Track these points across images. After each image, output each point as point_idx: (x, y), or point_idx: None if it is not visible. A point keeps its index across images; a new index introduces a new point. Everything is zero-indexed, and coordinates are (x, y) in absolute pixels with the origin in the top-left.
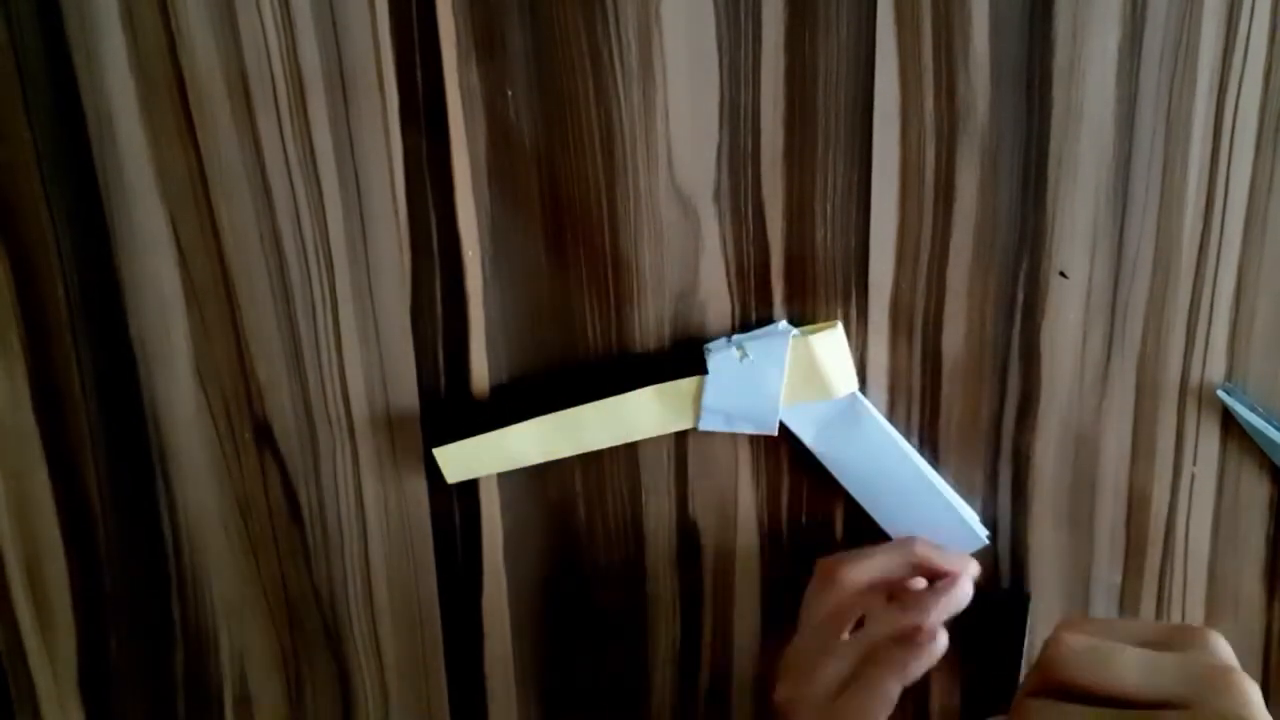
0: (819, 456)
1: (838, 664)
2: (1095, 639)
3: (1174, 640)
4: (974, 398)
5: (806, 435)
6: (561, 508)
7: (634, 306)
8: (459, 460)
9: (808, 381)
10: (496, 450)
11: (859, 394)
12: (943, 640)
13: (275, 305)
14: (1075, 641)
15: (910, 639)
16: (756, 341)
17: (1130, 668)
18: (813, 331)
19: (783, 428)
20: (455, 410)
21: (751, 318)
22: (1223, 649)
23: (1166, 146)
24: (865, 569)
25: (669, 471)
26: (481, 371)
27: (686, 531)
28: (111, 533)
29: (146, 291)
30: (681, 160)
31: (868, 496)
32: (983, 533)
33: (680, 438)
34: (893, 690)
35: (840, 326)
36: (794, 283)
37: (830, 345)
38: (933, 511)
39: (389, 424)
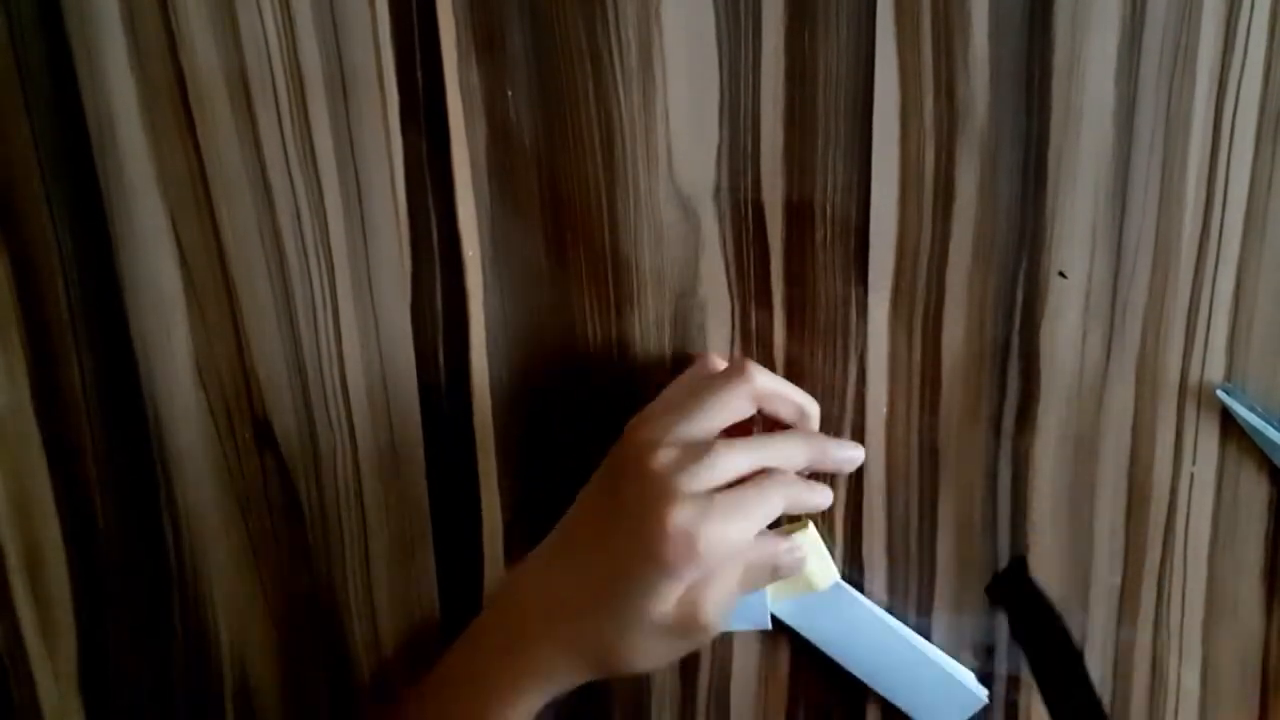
0: (814, 642)
1: (733, 457)
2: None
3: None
4: (973, 398)
5: (800, 626)
6: (561, 508)
7: (634, 306)
8: None
9: (790, 580)
10: None
11: (841, 583)
12: (828, 495)
13: (275, 305)
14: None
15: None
16: None
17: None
18: (787, 534)
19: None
20: (455, 409)
21: (751, 319)
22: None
23: (1166, 146)
24: (779, 383)
25: None
26: (482, 371)
27: None
28: (111, 533)
29: (146, 291)
30: (681, 160)
31: (865, 672)
32: (981, 692)
33: None
34: (775, 512)
35: (811, 526)
36: (794, 283)
37: (806, 545)
38: (929, 681)
39: (389, 424)
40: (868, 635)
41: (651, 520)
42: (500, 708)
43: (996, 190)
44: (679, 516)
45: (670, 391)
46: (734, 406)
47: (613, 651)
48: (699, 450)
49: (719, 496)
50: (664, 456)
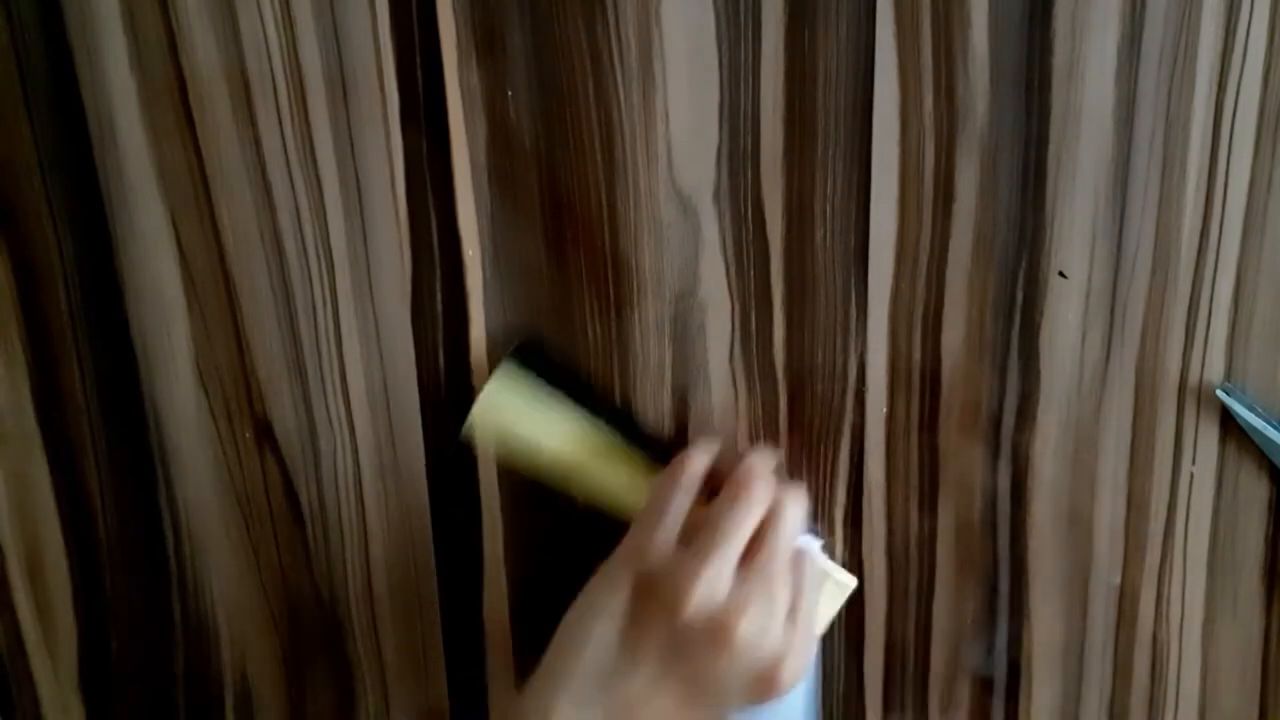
0: None
1: (783, 583)
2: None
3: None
4: (973, 397)
5: None
6: (562, 508)
7: (634, 306)
8: (494, 411)
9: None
10: (531, 422)
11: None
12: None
13: (275, 305)
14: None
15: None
16: None
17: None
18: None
19: None
20: (455, 410)
21: (751, 319)
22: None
23: (1165, 146)
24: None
25: None
26: (482, 372)
27: None
28: (112, 532)
29: (146, 291)
30: (681, 160)
31: None
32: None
33: (680, 438)
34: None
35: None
36: (794, 283)
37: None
38: None
39: (389, 424)
40: None
41: (759, 687)
42: None
43: (996, 190)
44: (786, 676)
45: (665, 521)
46: (749, 524)
47: None
48: (766, 600)
49: (797, 636)
50: (743, 626)
